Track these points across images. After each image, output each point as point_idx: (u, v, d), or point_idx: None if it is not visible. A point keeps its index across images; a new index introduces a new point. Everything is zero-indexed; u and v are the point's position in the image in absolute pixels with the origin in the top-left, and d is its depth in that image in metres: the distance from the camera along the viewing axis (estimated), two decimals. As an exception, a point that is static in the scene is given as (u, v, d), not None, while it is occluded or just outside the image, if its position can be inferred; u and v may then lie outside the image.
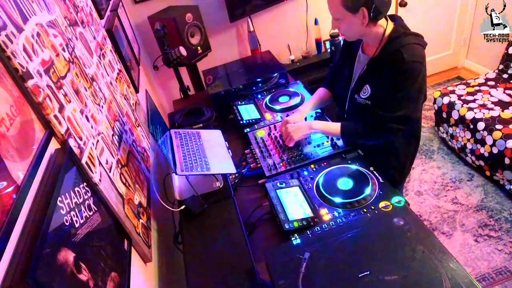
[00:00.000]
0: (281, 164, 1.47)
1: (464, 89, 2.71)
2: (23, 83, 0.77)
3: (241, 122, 1.77)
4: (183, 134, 1.59)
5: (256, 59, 2.58)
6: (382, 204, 1.17)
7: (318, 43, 3.16)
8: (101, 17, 1.78)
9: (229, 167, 1.43)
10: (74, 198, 0.80)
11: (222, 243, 1.21)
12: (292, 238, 1.10)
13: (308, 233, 1.13)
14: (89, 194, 0.88)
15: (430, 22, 3.31)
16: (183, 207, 1.32)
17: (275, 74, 2.04)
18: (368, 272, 0.91)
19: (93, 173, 0.95)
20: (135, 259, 1.10)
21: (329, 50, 3.06)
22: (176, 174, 1.30)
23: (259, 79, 2.03)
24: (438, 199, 2.43)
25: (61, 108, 0.90)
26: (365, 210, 1.18)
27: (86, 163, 0.93)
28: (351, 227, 1.06)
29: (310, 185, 1.33)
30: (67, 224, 0.74)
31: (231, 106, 1.91)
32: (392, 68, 1.23)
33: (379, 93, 1.30)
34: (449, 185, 2.51)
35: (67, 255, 0.70)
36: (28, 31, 0.87)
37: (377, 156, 1.41)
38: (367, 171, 1.31)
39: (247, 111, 1.85)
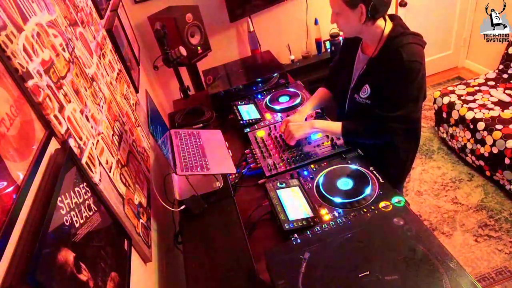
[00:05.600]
0: (281, 164, 1.47)
1: (464, 89, 2.71)
2: (23, 83, 0.77)
3: (241, 122, 1.77)
4: (183, 134, 1.59)
5: (256, 59, 2.58)
6: (382, 204, 1.17)
7: (318, 43, 3.16)
8: (101, 17, 1.78)
9: (229, 167, 1.43)
10: (74, 198, 0.80)
11: (222, 243, 1.21)
12: (292, 238, 1.10)
13: (308, 233, 1.13)
14: (89, 194, 0.88)
15: (430, 22, 3.31)
16: (183, 207, 1.32)
17: (275, 74, 2.04)
18: (368, 272, 0.91)
19: (93, 173, 0.95)
20: (135, 259, 1.10)
21: (329, 50, 3.06)
22: (176, 174, 1.30)
23: (259, 79, 2.03)
24: (438, 199, 2.43)
25: (61, 108, 0.90)
26: (365, 210, 1.18)
27: (86, 163, 0.93)
28: (351, 227, 1.07)
29: (310, 185, 1.33)
30: (67, 224, 0.74)
31: (231, 106, 1.91)
32: (391, 67, 1.23)
33: (378, 93, 1.30)
34: (449, 185, 2.51)
35: (67, 255, 0.70)
36: (28, 31, 0.87)
37: (377, 156, 1.41)
38: (367, 171, 1.31)
39: (247, 111, 1.85)
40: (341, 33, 2.78)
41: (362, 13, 1.20)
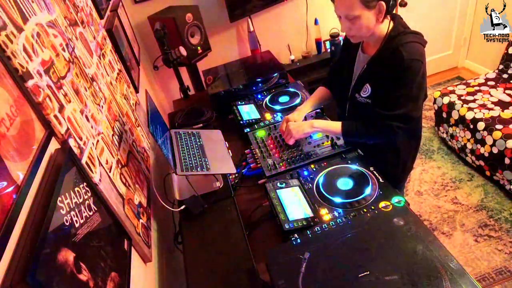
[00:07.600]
0: (281, 164, 1.47)
1: (464, 89, 2.71)
2: (23, 83, 0.77)
3: (241, 122, 1.77)
4: (183, 134, 1.59)
5: (256, 59, 2.58)
6: (382, 204, 1.17)
7: (318, 43, 3.16)
8: (101, 17, 1.78)
9: (229, 167, 1.43)
10: (74, 198, 0.80)
11: (222, 243, 1.21)
12: (292, 238, 1.10)
13: (308, 233, 1.13)
14: (89, 194, 0.88)
15: (430, 22, 3.31)
16: (183, 207, 1.32)
17: (275, 74, 2.04)
18: (368, 272, 0.91)
19: (93, 173, 0.95)
20: (135, 259, 1.10)
21: (329, 50, 3.06)
22: (176, 174, 1.30)
23: (259, 79, 2.03)
24: (438, 199, 2.43)
25: (61, 108, 0.90)
26: (365, 210, 1.18)
27: (86, 163, 0.93)
28: (351, 227, 1.07)
29: (310, 185, 1.33)
30: (67, 224, 0.74)
31: (231, 106, 1.91)
32: (391, 66, 1.23)
33: (379, 92, 1.30)
34: (449, 185, 2.51)
35: (67, 255, 0.70)
36: (28, 31, 0.87)
37: (377, 155, 1.41)
38: (367, 171, 1.31)
39: (247, 111, 1.85)
40: (341, 33, 2.78)
41: (380, 11, 1.19)
